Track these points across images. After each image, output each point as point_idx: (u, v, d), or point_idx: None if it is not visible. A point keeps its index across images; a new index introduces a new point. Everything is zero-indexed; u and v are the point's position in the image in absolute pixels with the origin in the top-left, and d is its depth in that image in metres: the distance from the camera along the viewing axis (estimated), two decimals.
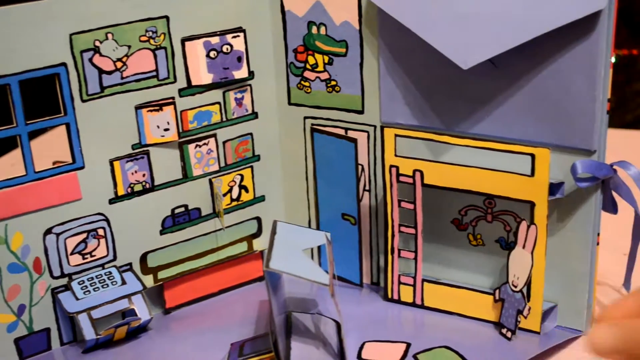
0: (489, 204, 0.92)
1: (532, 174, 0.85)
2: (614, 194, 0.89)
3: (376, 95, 0.95)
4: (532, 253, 0.87)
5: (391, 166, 0.93)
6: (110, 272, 0.95)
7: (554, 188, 0.87)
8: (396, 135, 0.92)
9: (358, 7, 0.93)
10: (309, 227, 1.04)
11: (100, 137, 0.91)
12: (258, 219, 1.05)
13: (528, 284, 0.88)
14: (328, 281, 0.79)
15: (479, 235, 0.94)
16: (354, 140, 0.97)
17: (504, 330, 0.90)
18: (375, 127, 0.97)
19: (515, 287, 0.89)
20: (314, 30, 0.96)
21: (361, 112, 0.97)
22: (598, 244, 0.89)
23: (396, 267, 0.97)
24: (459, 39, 0.85)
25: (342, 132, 0.99)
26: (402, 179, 0.93)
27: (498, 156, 0.87)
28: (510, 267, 0.90)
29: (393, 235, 0.96)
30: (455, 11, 0.85)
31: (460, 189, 0.90)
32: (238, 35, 0.96)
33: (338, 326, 0.88)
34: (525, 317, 0.89)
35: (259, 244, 1.05)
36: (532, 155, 0.85)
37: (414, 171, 0.92)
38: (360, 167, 0.99)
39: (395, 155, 0.93)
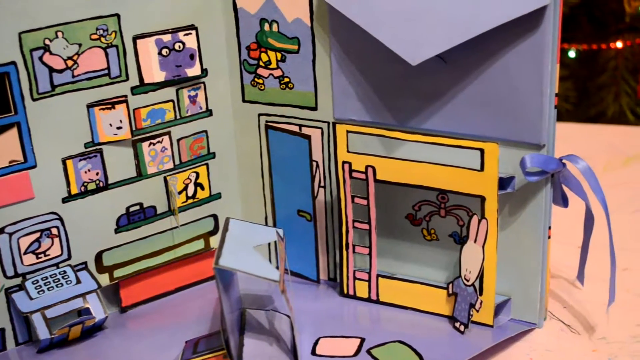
0: (442, 199, 0.93)
1: (482, 168, 0.86)
2: (565, 187, 0.90)
3: (329, 92, 0.96)
4: (483, 247, 0.88)
5: (344, 162, 0.93)
6: (64, 272, 0.94)
7: (504, 182, 0.88)
8: (348, 132, 0.92)
9: (309, 4, 0.93)
10: (265, 224, 1.04)
11: (52, 135, 0.91)
12: (214, 217, 1.05)
13: (480, 277, 0.89)
14: (278, 277, 0.79)
15: (433, 230, 0.95)
16: (307, 137, 0.98)
17: (457, 324, 0.91)
18: (328, 123, 0.97)
19: (468, 281, 0.89)
20: (267, 27, 0.97)
21: (314, 108, 0.97)
22: (550, 237, 0.90)
23: (351, 263, 0.97)
24: (407, 35, 0.86)
25: (296, 128, 0.99)
26: (354, 174, 0.93)
27: (448, 151, 0.88)
28: (462, 261, 0.90)
29: (347, 231, 0.96)
30: (403, 7, 0.85)
31: (413, 184, 0.91)
32: (190, 33, 0.96)
33: (291, 322, 0.88)
34: (478, 311, 0.90)
35: (216, 242, 1.05)
36: (482, 150, 0.85)
37: (367, 167, 0.92)
38: (314, 163, 0.99)
39: (348, 152, 0.93)
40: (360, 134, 0.92)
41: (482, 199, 0.87)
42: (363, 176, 0.93)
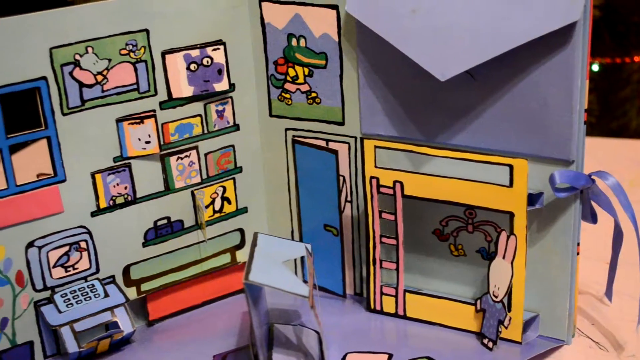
0: (470, 215, 0.93)
1: (511, 184, 0.86)
2: (593, 203, 0.90)
3: (356, 107, 0.96)
4: (512, 263, 0.87)
5: (372, 177, 0.93)
6: (92, 285, 0.95)
7: (533, 198, 0.88)
8: (376, 147, 0.92)
9: (337, 19, 0.93)
10: (292, 238, 1.04)
11: (81, 150, 0.92)
12: (241, 231, 1.05)
13: (508, 294, 0.89)
14: (307, 293, 0.79)
15: (460, 246, 0.95)
16: (334, 152, 0.98)
17: (485, 341, 0.91)
18: (355, 138, 0.97)
19: (496, 297, 0.89)
20: (294, 42, 0.97)
21: (341, 123, 0.97)
22: (578, 253, 0.90)
23: (378, 278, 0.97)
24: (436, 51, 0.86)
25: (323, 143, 0.99)
26: (382, 190, 0.93)
27: (477, 167, 0.88)
28: (490, 277, 0.90)
29: (374, 246, 0.96)
30: (432, 23, 0.86)
31: (441, 200, 0.91)
32: (218, 48, 0.97)
33: (319, 337, 0.88)
34: (506, 328, 0.89)
35: (242, 256, 1.05)
36: (510, 166, 0.85)
37: (394, 182, 0.92)
38: (341, 178, 0.99)
39: (376, 167, 0.93)
40: (388, 149, 0.92)
41: (511, 215, 0.87)
42: (391, 191, 0.93)
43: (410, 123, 0.93)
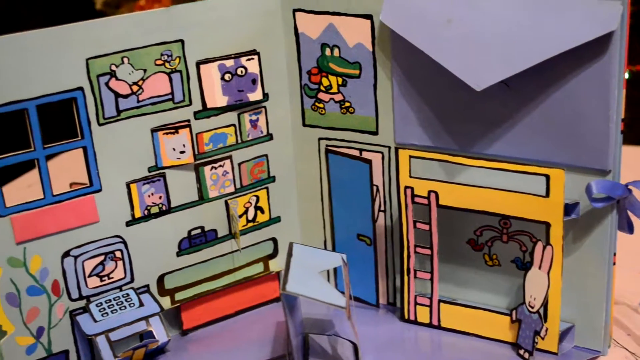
0: (505, 224, 0.92)
1: (547, 194, 0.85)
2: (630, 213, 0.89)
3: (390, 117, 0.96)
4: (548, 274, 0.87)
5: (406, 187, 0.93)
6: (127, 294, 0.95)
7: (569, 208, 0.87)
8: (411, 157, 0.92)
9: (371, 29, 0.93)
10: (325, 248, 1.04)
11: (117, 160, 0.92)
12: (274, 240, 1.05)
13: (545, 304, 0.88)
14: (345, 304, 0.79)
15: (495, 256, 0.94)
16: (368, 161, 0.98)
17: (521, 351, 0.90)
18: (389, 147, 0.97)
19: (532, 307, 0.89)
20: (328, 52, 0.97)
21: (375, 133, 0.97)
22: (614, 263, 0.89)
23: (412, 288, 0.97)
24: (471, 60, 0.85)
25: (356, 153, 0.99)
26: (417, 200, 0.93)
27: (513, 177, 0.87)
28: (526, 288, 0.90)
29: (409, 256, 0.96)
30: (467, 33, 0.85)
31: (476, 210, 0.90)
32: (252, 58, 0.97)
33: (355, 348, 0.88)
34: (543, 338, 0.89)
35: (275, 265, 1.06)
36: (547, 176, 0.85)
37: (429, 192, 0.92)
38: (375, 187, 0.99)
39: (410, 177, 0.93)
40: (423, 159, 0.92)
41: (547, 225, 0.86)
42: (425, 201, 0.93)
43: (445, 133, 0.93)
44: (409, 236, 0.95)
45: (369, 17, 0.93)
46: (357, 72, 0.96)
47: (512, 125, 0.88)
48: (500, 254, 0.94)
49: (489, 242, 0.95)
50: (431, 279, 0.95)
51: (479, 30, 0.85)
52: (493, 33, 0.84)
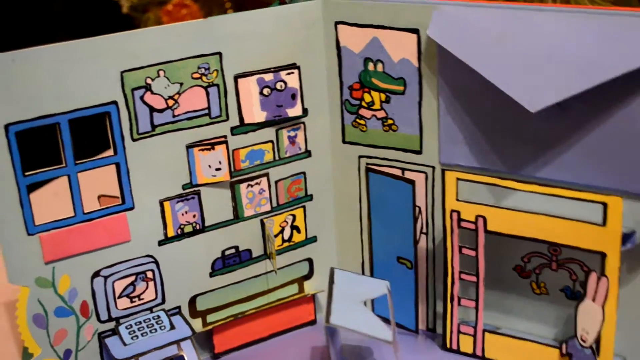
0: (554, 252, 0.88)
1: (604, 223, 0.81)
2: None
3: (435, 135, 0.92)
4: (602, 307, 0.82)
5: (452, 211, 0.89)
6: (158, 316, 0.91)
7: (624, 237, 0.82)
8: (458, 179, 0.88)
9: (417, 43, 0.89)
10: (362, 270, 1.00)
11: (150, 177, 0.89)
12: (310, 261, 1.01)
13: (598, 339, 0.84)
14: (391, 337, 0.75)
15: (543, 284, 0.90)
16: (411, 182, 0.93)
17: None
18: (433, 168, 0.93)
19: (585, 342, 0.84)
20: (371, 67, 0.93)
21: (419, 152, 0.93)
22: None
23: (455, 316, 0.92)
24: (526, 80, 0.81)
25: (398, 172, 0.95)
26: (463, 224, 0.89)
27: (566, 203, 0.83)
28: (578, 320, 0.85)
29: (453, 283, 0.92)
30: (521, 51, 0.81)
31: (526, 237, 0.86)
32: (292, 72, 0.93)
33: None
34: None
35: (310, 287, 1.02)
36: (604, 204, 0.80)
37: (477, 217, 0.88)
38: (417, 208, 0.95)
39: (457, 200, 0.89)
40: (471, 182, 0.87)
41: (603, 255, 0.82)
42: (472, 226, 0.88)
43: (493, 154, 0.89)
44: (453, 262, 0.91)
45: (415, 31, 0.89)
46: (401, 88, 0.92)
47: (566, 148, 0.84)
48: (549, 282, 0.90)
49: (537, 270, 0.90)
50: (476, 307, 0.91)
51: (533, 47, 0.81)
52: (549, 51, 0.80)
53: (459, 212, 0.89)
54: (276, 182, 0.96)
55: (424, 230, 0.96)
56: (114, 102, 0.85)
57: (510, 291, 0.92)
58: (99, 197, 0.92)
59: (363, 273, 1.01)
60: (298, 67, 0.93)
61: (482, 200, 0.88)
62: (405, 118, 0.93)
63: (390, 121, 0.94)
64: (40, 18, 2.17)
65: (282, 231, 0.98)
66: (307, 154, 0.97)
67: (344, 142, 0.98)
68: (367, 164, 0.97)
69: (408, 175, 0.95)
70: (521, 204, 0.86)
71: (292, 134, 0.96)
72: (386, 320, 0.83)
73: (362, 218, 1.00)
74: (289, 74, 0.93)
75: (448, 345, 0.94)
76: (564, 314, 0.89)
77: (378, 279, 0.89)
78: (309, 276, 1.02)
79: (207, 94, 0.90)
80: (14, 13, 2.11)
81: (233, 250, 0.95)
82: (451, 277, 0.91)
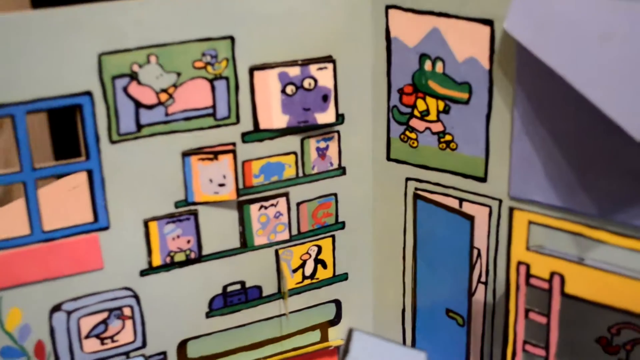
0: None
1: None
2: None
3: (506, 160, 0.71)
4: None
5: (519, 263, 0.68)
6: None
7: None
8: (531, 222, 0.67)
9: (490, 39, 0.69)
10: (402, 319, 0.81)
11: (133, 190, 0.70)
12: (337, 303, 0.83)
13: None
14: None
15: None
16: (470, 217, 0.73)
17: None
18: (500, 201, 0.73)
19: None
20: (428, 66, 0.72)
21: (483, 179, 0.73)
22: None
23: None
24: (636, 99, 0.59)
25: (455, 203, 0.75)
26: (533, 282, 0.68)
27: None
28: None
29: (514, 354, 0.71)
30: (632, 58, 0.59)
31: (618, 307, 0.64)
32: (325, 67, 0.73)
33: None
34: None
35: (336, 334, 0.83)
36: None
37: (552, 274, 0.66)
38: (476, 251, 0.74)
39: (528, 249, 0.67)
40: (548, 227, 0.66)
41: None
42: (545, 285, 0.67)
43: (581, 190, 0.68)
44: (516, 328, 0.70)
45: (488, 22, 0.68)
46: (465, 95, 0.71)
47: None
48: None
49: (627, 345, 0.70)
50: None
51: None
52: None
53: (528, 266, 0.67)
54: (298, 204, 0.77)
55: (483, 279, 0.76)
56: (88, 93, 0.66)
57: None
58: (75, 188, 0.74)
59: (403, 324, 0.82)
60: (333, 61, 0.73)
61: (562, 251, 0.67)
62: (468, 134, 0.73)
63: (448, 137, 0.74)
64: None
65: (302, 265, 0.79)
66: (341, 171, 0.78)
67: (388, 159, 0.78)
68: (416, 188, 0.77)
69: (467, 208, 0.74)
70: (614, 260, 0.65)
71: (323, 145, 0.76)
72: None
73: (405, 256, 0.80)
74: (320, 69, 0.73)
75: None
76: None
77: (411, 350, 0.67)
78: (335, 321, 0.83)
79: (213, 88, 0.70)
80: None
81: (238, 286, 0.77)
82: (512, 346, 0.70)
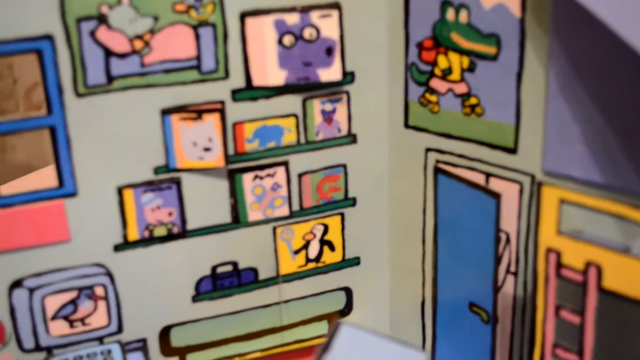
0: None
1: None
2: None
3: (539, 128, 0.61)
4: None
5: (549, 250, 0.57)
6: (109, 351, 0.67)
7: None
8: (563, 201, 0.56)
9: None
10: (422, 311, 0.71)
11: (104, 152, 0.62)
12: (347, 291, 0.74)
13: None
14: None
15: None
16: (496, 195, 0.62)
17: None
18: (532, 177, 0.62)
19: None
20: (451, 15, 0.62)
21: (513, 151, 0.63)
22: None
23: None
24: None
25: (481, 178, 0.65)
26: (565, 272, 0.57)
27: None
28: None
29: (542, 358, 0.60)
30: None
31: None
32: (329, 15, 0.64)
33: None
34: None
35: None
36: None
37: (587, 264, 0.56)
38: (504, 236, 0.64)
39: (559, 233, 0.57)
40: (584, 207, 0.55)
41: None
42: (579, 278, 0.56)
43: (628, 165, 0.57)
44: (545, 327, 0.59)
45: None
46: (493, 50, 0.61)
47: None
48: None
49: None
50: None
51: None
52: None
53: (559, 253, 0.57)
54: (300, 175, 0.69)
55: (513, 269, 0.65)
56: (49, 37, 0.59)
57: None
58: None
59: (423, 318, 0.71)
60: (339, 7, 0.64)
61: (601, 237, 0.56)
62: (496, 97, 0.63)
63: (473, 100, 0.63)
64: None
65: (306, 246, 0.71)
66: (351, 139, 0.69)
67: (406, 126, 0.69)
68: (437, 160, 0.67)
69: (494, 184, 0.64)
70: None
71: (329, 107, 0.67)
72: None
73: (425, 238, 0.70)
74: (324, 16, 0.64)
75: None
76: None
77: (412, 350, 0.57)
78: (345, 312, 0.74)
79: (197, 37, 0.62)
80: None
81: (229, 267, 0.69)
82: (540, 349, 0.60)
